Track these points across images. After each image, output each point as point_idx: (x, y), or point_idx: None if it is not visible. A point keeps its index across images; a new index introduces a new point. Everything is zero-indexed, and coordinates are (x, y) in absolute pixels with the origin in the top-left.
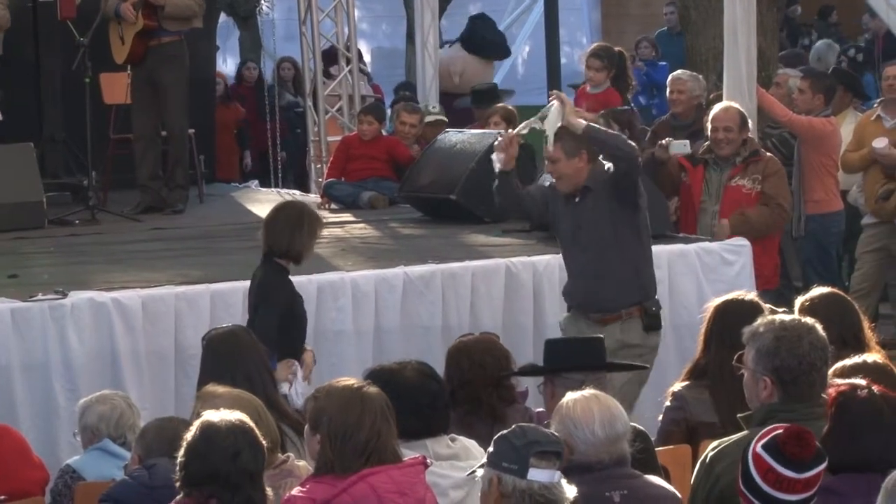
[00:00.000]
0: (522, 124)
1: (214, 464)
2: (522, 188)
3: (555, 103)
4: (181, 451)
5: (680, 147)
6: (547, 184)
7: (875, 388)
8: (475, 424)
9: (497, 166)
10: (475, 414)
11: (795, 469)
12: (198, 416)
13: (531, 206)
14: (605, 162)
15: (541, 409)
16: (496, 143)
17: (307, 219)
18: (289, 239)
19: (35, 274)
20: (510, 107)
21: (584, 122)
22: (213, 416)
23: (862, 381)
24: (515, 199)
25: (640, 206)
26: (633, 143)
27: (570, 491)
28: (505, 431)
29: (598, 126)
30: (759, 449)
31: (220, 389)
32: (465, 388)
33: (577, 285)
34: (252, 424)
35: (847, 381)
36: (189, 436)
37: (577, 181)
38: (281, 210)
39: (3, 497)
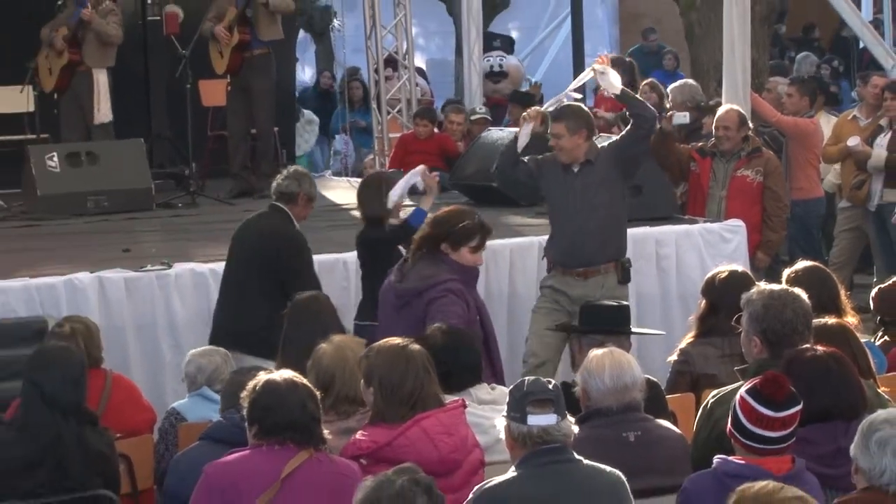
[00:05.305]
0: (551, 100)
1: (290, 415)
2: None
3: (590, 72)
4: (248, 408)
5: (681, 118)
6: (538, 158)
7: (820, 348)
8: None
9: (525, 131)
10: None
11: (773, 408)
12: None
13: (523, 170)
14: (598, 142)
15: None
16: (524, 114)
17: (385, 185)
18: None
19: (145, 248)
20: (541, 109)
21: (620, 86)
22: (273, 377)
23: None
24: (513, 160)
25: (632, 175)
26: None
27: (574, 429)
28: (511, 386)
29: (629, 91)
30: (743, 394)
31: (337, 338)
32: None
33: (562, 244)
34: (303, 379)
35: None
36: (254, 395)
37: (576, 155)
38: (366, 180)
39: (118, 434)
